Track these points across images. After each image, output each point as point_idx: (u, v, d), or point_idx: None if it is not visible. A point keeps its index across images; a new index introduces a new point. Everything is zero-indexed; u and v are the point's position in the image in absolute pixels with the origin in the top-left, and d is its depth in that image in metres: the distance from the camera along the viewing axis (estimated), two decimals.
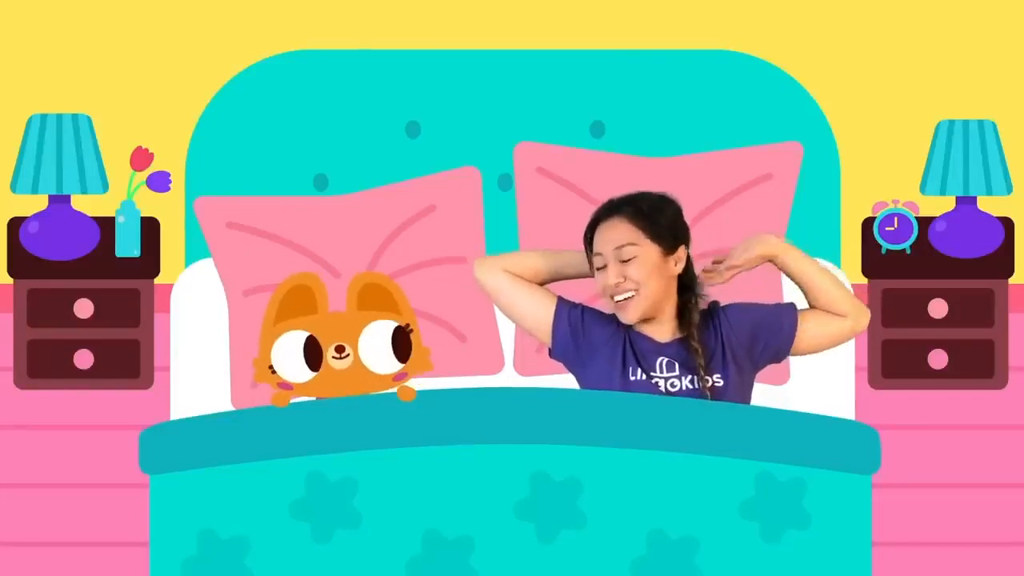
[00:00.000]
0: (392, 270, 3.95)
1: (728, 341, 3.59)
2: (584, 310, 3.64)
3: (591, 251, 3.61)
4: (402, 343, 3.44)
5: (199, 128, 4.22)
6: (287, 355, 3.41)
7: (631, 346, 3.59)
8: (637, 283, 3.54)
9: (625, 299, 3.54)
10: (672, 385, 3.55)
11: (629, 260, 3.54)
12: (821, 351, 3.69)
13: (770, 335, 3.61)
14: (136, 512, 4.08)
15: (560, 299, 3.65)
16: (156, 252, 4.25)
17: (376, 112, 4.22)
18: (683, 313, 3.61)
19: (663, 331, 3.60)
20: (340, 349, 3.42)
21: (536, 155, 4.07)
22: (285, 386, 3.42)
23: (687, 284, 3.63)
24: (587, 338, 3.61)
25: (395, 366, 3.44)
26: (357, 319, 3.45)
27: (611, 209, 3.61)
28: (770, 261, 3.67)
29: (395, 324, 3.44)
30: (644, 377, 3.56)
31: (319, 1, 4.33)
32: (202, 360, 4.04)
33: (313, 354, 3.41)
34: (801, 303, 3.69)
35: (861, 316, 3.64)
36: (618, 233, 3.57)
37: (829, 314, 3.64)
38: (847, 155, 4.25)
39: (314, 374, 3.41)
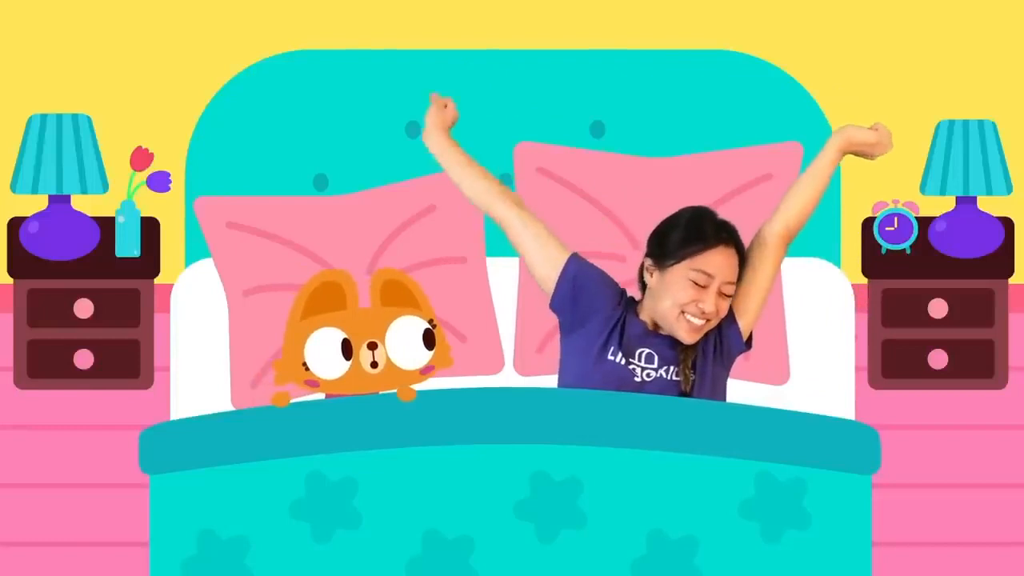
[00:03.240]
0: None
1: (701, 347, 3.62)
2: (592, 274, 3.63)
3: (685, 251, 3.56)
4: (427, 339, 3.46)
5: (199, 128, 4.22)
6: (322, 351, 3.41)
7: (622, 328, 3.60)
8: (715, 322, 3.57)
9: (699, 328, 3.56)
10: (648, 375, 3.56)
11: (727, 297, 3.57)
12: (770, 285, 3.68)
13: (722, 341, 3.64)
14: (136, 512, 4.08)
15: (572, 256, 3.64)
16: (156, 252, 4.25)
17: (376, 112, 4.22)
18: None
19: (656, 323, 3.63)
20: (372, 345, 3.43)
21: (536, 155, 4.08)
22: (312, 383, 3.42)
23: None
24: (588, 300, 3.61)
25: (421, 361, 3.45)
26: (383, 316, 3.46)
27: (729, 236, 3.61)
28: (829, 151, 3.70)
29: (421, 320, 3.46)
30: (623, 361, 3.57)
31: (319, 1, 4.33)
32: (202, 360, 4.04)
33: (345, 351, 3.42)
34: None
35: (778, 240, 3.68)
36: (733, 267, 3.58)
37: (753, 265, 3.65)
38: (847, 155, 4.25)
39: (345, 371, 3.42)
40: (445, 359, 3.49)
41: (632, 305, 3.67)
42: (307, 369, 3.44)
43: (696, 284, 3.54)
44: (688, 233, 3.58)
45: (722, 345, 3.63)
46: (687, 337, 3.55)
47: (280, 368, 3.45)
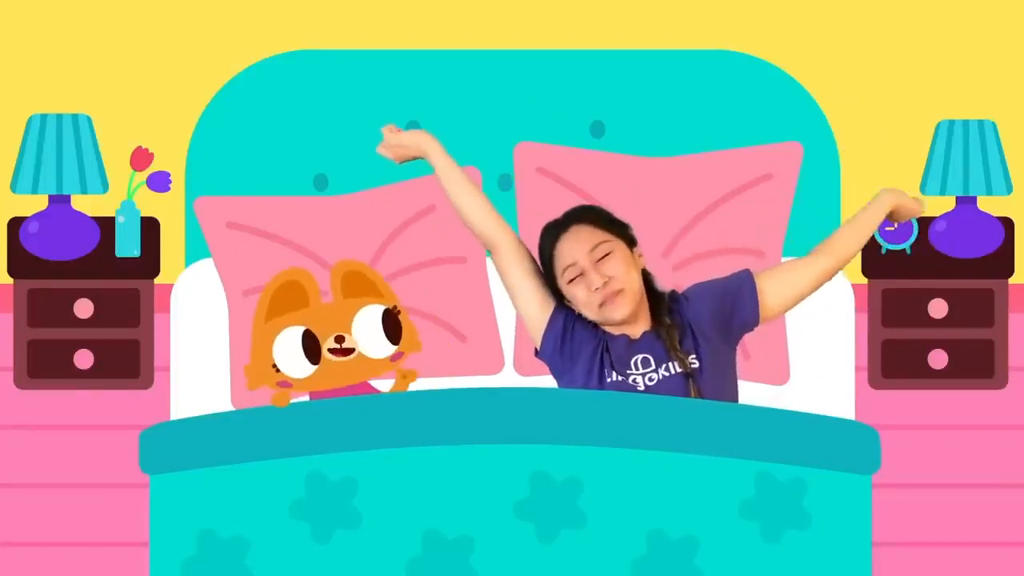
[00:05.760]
0: (392, 270, 3.95)
1: (694, 322, 3.58)
2: (577, 318, 3.61)
3: (555, 271, 3.59)
4: (392, 325, 3.46)
5: (199, 128, 4.22)
6: (289, 351, 3.42)
7: (607, 351, 3.58)
8: (621, 280, 3.53)
9: (613, 295, 3.53)
10: (650, 380, 3.54)
11: (606, 258, 3.54)
12: (801, 300, 3.64)
13: (733, 306, 3.59)
14: (136, 512, 4.08)
15: (559, 304, 3.63)
16: (156, 252, 4.25)
17: (376, 112, 4.22)
18: (654, 305, 3.61)
19: (637, 327, 3.59)
20: (340, 339, 3.43)
21: (536, 155, 4.08)
22: (284, 384, 3.43)
23: (647, 279, 3.64)
24: (572, 349, 3.59)
25: (390, 348, 3.46)
26: (347, 307, 3.47)
27: (562, 225, 3.61)
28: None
29: (384, 307, 3.46)
30: (620, 379, 3.55)
31: (319, 1, 4.33)
32: (202, 360, 4.04)
33: (312, 347, 3.43)
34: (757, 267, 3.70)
35: (831, 261, 3.64)
36: (587, 236, 3.57)
37: (790, 263, 3.63)
38: (847, 155, 4.25)
39: (315, 367, 3.43)
40: (413, 343, 3.50)
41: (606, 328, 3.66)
42: (278, 370, 3.44)
43: (575, 280, 3.55)
44: (540, 258, 3.62)
45: (732, 311, 3.58)
46: (614, 313, 3.53)
47: (251, 372, 3.46)
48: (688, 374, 3.53)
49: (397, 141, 3.70)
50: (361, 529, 3.23)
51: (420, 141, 3.68)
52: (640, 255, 3.61)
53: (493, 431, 3.24)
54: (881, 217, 3.70)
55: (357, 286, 3.50)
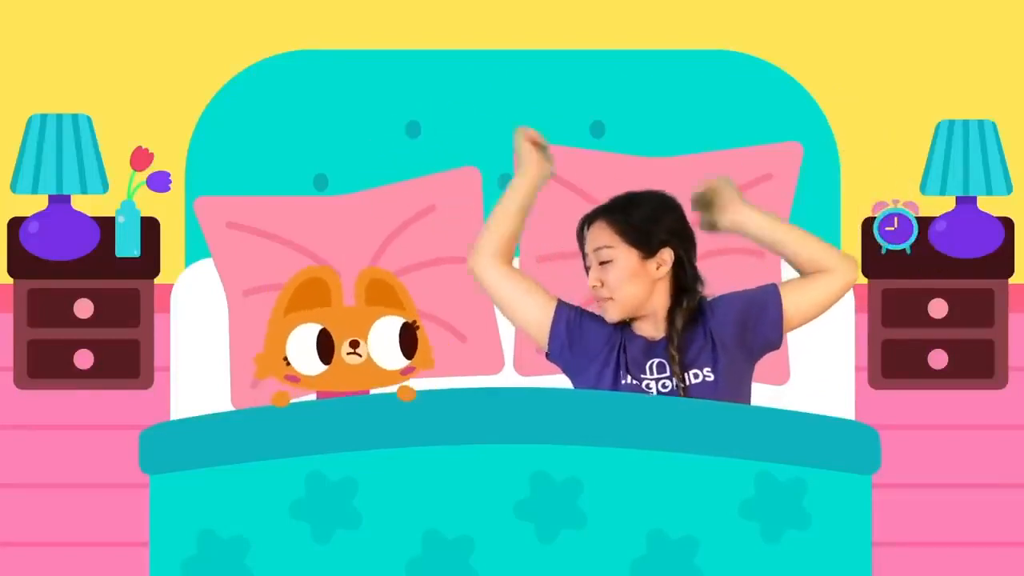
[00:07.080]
0: (392, 270, 3.95)
1: (716, 334, 3.57)
2: (582, 314, 3.62)
3: (583, 251, 3.66)
4: (409, 339, 3.46)
5: (199, 128, 4.22)
6: (303, 347, 3.42)
7: (624, 351, 3.58)
8: (611, 290, 3.56)
9: (604, 301, 3.58)
10: (664, 386, 3.54)
11: (606, 264, 3.57)
12: (819, 315, 3.61)
13: (758, 323, 3.57)
14: (136, 512, 4.08)
15: (560, 302, 3.63)
16: (156, 252, 4.25)
17: (376, 112, 4.22)
18: (671, 314, 3.59)
19: (657, 329, 3.59)
20: (355, 344, 3.43)
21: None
22: (292, 378, 3.43)
23: (685, 285, 3.61)
24: (583, 345, 3.60)
25: (402, 362, 3.46)
26: (367, 314, 3.47)
27: (598, 211, 3.65)
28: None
29: (403, 321, 3.46)
30: (635, 382, 3.54)
31: (319, 1, 4.33)
32: (202, 360, 4.04)
33: (326, 347, 3.43)
34: (782, 277, 3.68)
35: (847, 267, 3.58)
36: (598, 236, 3.61)
37: (809, 276, 3.59)
38: (847, 155, 4.26)
39: (326, 367, 3.43)
40: (427, 360, 3.50)
41: (627, 325, 3.64)
42: (288, 364, 3.45)
43: (587, 268, 3.62)
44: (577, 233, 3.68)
45: (756, 324, 3.57)
46: (605, 317, 3.59)
47: (261, 362, 3.46)
48: (684, 395, 3.52)
49: (519, 144, 3.68)
50: (361, 529, 3.23)
51: (526, 161, 3.66)
52: (660, 264, 3.58)
53: (493, 431, 3.24)
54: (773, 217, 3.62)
55: (380, 295, 3.51)
